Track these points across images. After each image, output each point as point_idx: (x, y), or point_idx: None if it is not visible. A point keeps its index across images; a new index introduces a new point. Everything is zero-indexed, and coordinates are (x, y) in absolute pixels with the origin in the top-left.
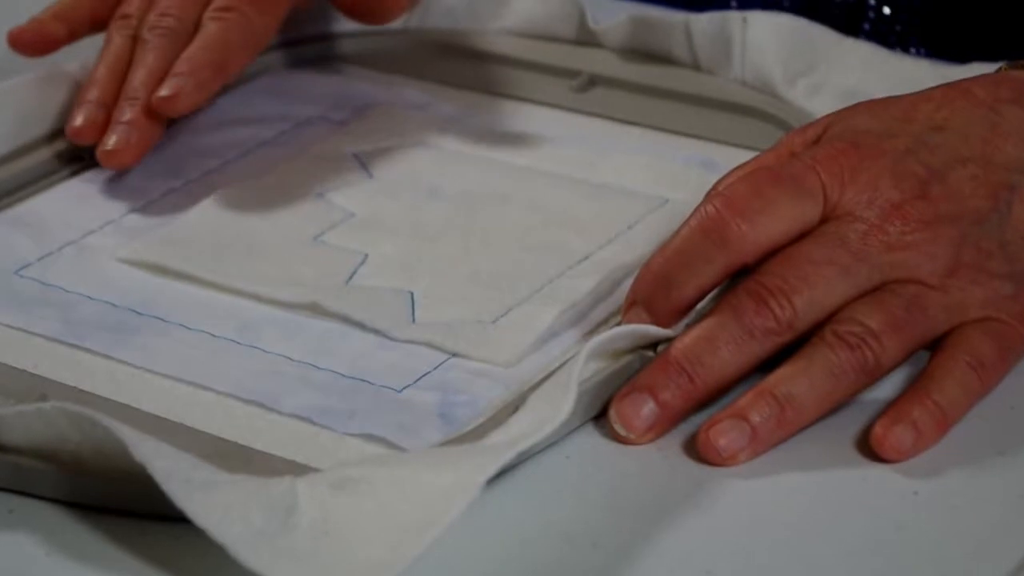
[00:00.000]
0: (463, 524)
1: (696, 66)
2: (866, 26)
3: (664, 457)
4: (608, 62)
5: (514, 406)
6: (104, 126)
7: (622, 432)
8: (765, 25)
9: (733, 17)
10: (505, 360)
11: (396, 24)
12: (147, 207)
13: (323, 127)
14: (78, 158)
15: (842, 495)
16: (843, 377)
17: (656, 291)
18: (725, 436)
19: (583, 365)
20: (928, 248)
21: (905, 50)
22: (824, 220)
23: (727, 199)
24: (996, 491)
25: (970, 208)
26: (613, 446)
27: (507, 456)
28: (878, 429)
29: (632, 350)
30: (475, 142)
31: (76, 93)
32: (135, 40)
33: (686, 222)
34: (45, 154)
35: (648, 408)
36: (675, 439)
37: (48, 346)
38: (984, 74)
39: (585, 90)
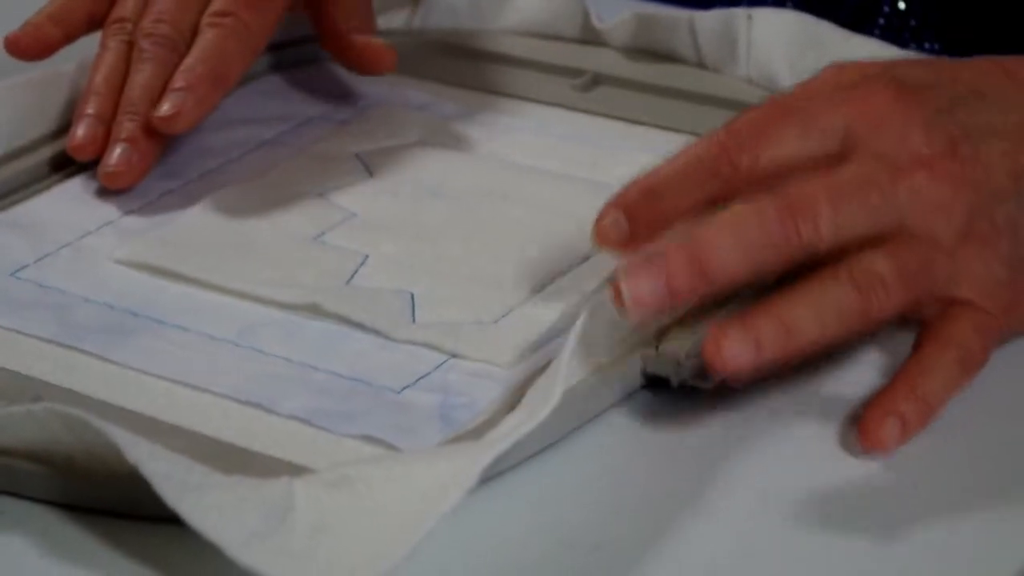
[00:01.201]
0: (463, 525)
1: (701, 64)
2: (881, 20)
3: (666, 458)
4: (612, 60)
5: (512, 406)
6: (104, 140)
7: (628, 301)
8: (771, 22)
9: (738, 14)
10: (506, 361)
11: (399, 24)
12: (145, 208)
13: (324, 127)
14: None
15: (845, 496)
16: (847, 319)
17: (641, 200)
18: (734, 349)
19: (570, 355)
20: (948, 206)
21: (920, 46)
22: (849, 158)
23: (730, 130)
24: (1002, 491)
25: (994, 181)
26: (615, 447)
27: (500, 448)
28: (866, 423)
29: (628, 349)
30: (477, 141)
31: (75, 100)
32: (130, 45)
33: (686, 148)
34: (42, 155)
35: (657, 289)
36: (677, 440)
37: (44, 348)
38: (1017, 55)
39: (589, 89)
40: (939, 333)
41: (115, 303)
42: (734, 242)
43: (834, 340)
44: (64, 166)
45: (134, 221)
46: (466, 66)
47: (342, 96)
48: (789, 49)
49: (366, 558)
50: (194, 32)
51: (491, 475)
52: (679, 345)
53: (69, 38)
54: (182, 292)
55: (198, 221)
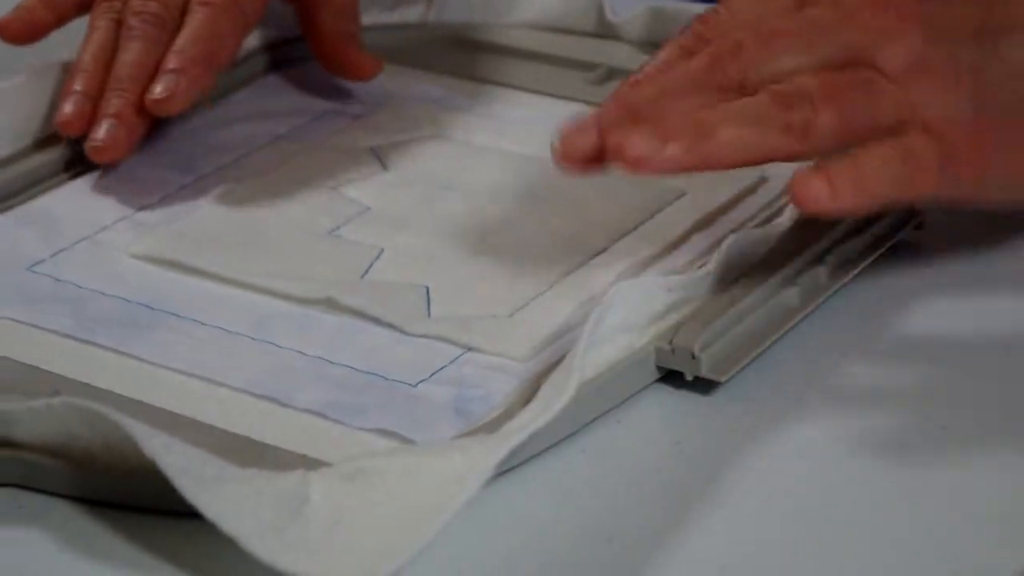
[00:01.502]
0: (477, 518)
1: None
2: None
3: (680, 451)
4: (626, 54)
5: (527, 399)
6: (92, 117)
7: (555, 144)
8: None
9: None
10: (521, 354)
11: (413, 18)
12: (160, 203)
13: (338, 121)
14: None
15: (856, 490)
16: (767, 128)
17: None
18: (637, 143)
19: (585, 346)
20: (894, 37)
21: None
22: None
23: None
24: (1011, 486)
25: (953, 21)
26: (629, 441)
27: (516, 440)
28: (795, 180)
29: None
30: (491, 135)
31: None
32: (119, 24)
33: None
34: (59, 151)
35: (590, 138)
36: (691, 434)
37: (61, 342)
38: None
39: (603, 83)
40: (887, 138)
41: (130, 297)
42: (659, 90)
43: (761, 157)
44: (80, 162)
45: (149, 216)
46: (480, 60)
47: (356, 90)
48: None
49: (382, 551)
50: (183, 11)
51: (505, 468)
52: (693, 339)
53: (61, 20)
54: (197, 286)
55: (213, 215)
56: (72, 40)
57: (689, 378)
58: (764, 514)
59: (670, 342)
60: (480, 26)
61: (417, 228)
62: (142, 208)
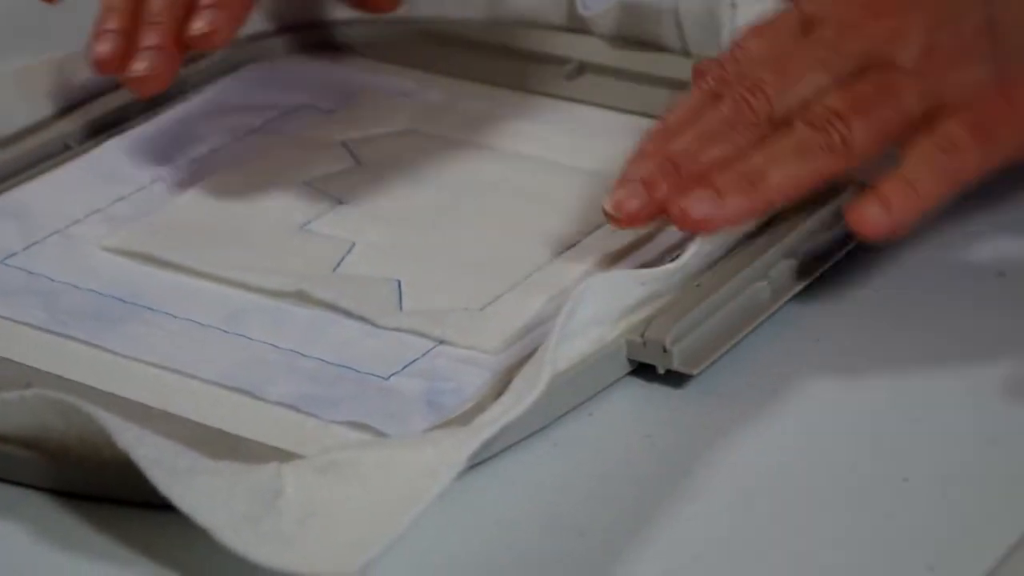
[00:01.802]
0: (450, 511)
1: (686, 52)
2: None
3: (651, 444)
4: (598, 49)
5: (499, 392)
6: (128, 57)
7: (612, 213)
8: (755, 10)
9: (722, 2)
10: (492, 347)
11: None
12: (133, 195)
13: (311, 115)
14: (65, 147)
15: (830, 483)
16: (809, 155)
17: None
18: (698, 203)
19: (558, 339)
20: (900, 35)
21: None
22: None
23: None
24: (986, 479)
25: (952, 2)
26: (600, 434)
27: (488, 433)
28: (851, 212)
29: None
30: (465, 129)
31: (66, 88)
32: None
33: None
34: (31, 143)
35: (643, 200)
36: (662, 428)
37: (34, 335)
38: None
39: (575, 77)
40: (922, 133)
41: (103, 290)
42: (696, 137)
43: (811, 183)
44: (53, 155)
45: (122, 208)
46: (453, 54)
47: (329, 84)
48: None
49: (355, 543)
50: None
51: (477, 461)
52: (664, 332)
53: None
54: (170, 279)
55: (185, 209)
56: (64, 35)
57: (661, 371)
58: (735, 507)
59: (642, 335)
60: (452, 21)
61: (389, 222)
62: (115, 201)
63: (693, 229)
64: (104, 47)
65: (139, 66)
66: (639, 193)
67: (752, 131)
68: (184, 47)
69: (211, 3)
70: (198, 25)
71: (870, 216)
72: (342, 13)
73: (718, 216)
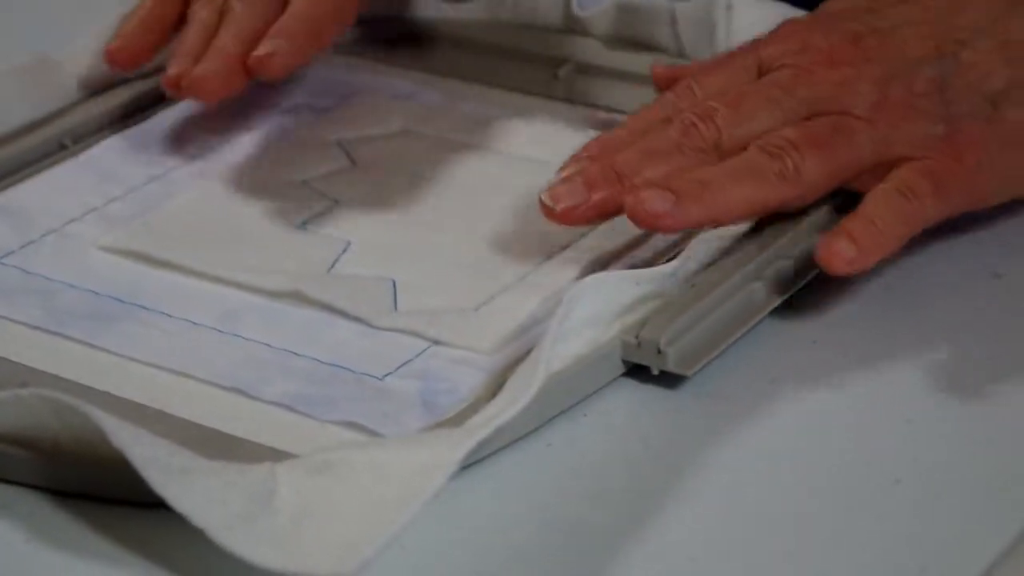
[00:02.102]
0: (444, 511)
1: (681, 53)
2: None
3: (646, 445)
4: (593, 50)
5: (494, 393)
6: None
7: (548, 203)
8: (750, 11)
9: (717, 3)
10: (487, 347)
11: (380, 11)
12: (129, 195)
13: (307, 115)
14: (61, 146)
15: (823, 485)
16: (762, 178)
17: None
18: (652, 200)
19: (552, 340)
20: (853, 84)
21: None
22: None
23: (675, 89)
24: (978, 482)
25: (906, 54)
26: (595, 435)
27: (482, 433)
28: (819, 248)
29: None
30: (459, 130)
31: (65, 86)
32: (220, 15)
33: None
34: (28, 142)
35: (581, 197)
36: (657, 429)
37: (29, 334)
38: None
39: (570, 78)
40: (879, 177)
41: (99, 289)
42: (640, 151)
43: (762, 207)
44: (50, 154)
45: (118, 208)
46: (449, 54)
47: (325, 84)
48: None
49: (349, 543)
50: (284, 2)
51: (471, 461)
52: (659, 333)
53: (163, 39)
54: (166, 279)
55: (181, 208)
56: (62, 36)
57: (655, 372)
58: (729, 508)
59: (636, 336)
60: (449, 20)
61: (384, 222)
62: (111, 200)
63: (644, 224)
64: (173, 68)
65: (199, 68)
66: (579, 191)
67: (697, 156)
68: (248, 72)
69: (276, 32)
70: (260, 50)
71: (838, 249)
72: None
73: (671, 215)
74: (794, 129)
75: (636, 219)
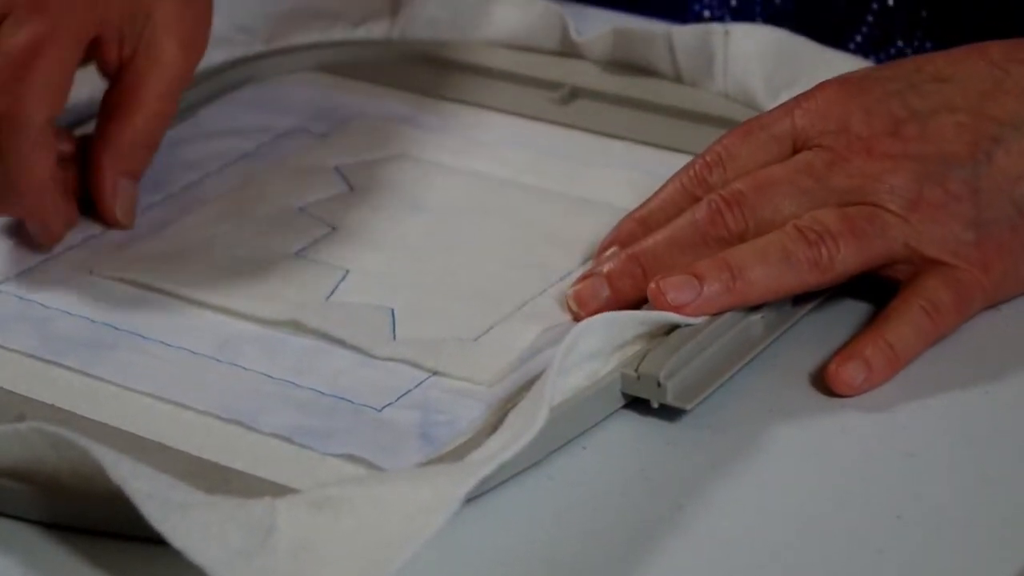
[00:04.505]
0: (444, 545)
1: (679, 78)
2: (869, 18)
3: (645, 478)
4: (591, 74)
5: (493, 426)
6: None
7: (574, 308)
8: (747, 38)
9: (715, 30)
10: (487, 379)
11: (378, 34)
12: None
13: (304, 139)
14: None
15: (824, 519)
16: (796, 266)
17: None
18: (676, 289)
19: (556, 375)
20: (888, 179)
21: (908, 42)
22: (797, 152)
23: (704, 158)
24: (979, 518)
25: (944, 151)
26: (594, 468)
27: (484, 471)
28: (832, 366)
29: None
30: (457, 154)
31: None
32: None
33: (665, 189)
34: None
35: (605, 293)
36: (656, 461)
37: (26, 362)
38: (1008, 39)
39: (568, 102)
40: (907, 286)
41: (96, 317)
42: (666, 241)
43: (789, 292)
44: None
45: (115, 235)
46: (446, 78)
47: (322, 108)
48: (765, 64)
49: None
50: None
51: (472, 495)
52: (658, 367)
53: None
54: (163, 306)
55: (179, 235)
56: None
57: (655, 406)
58: (728, 541)
59: (636, 369)
60: (445, 43)
61: (382, 249)
62: (109, 227)
63: (667, 311)
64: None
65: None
66: (601, 289)
67: (722, 246)
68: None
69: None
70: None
71: (849, 377)
72: (332, 34)
73: (694, 303)
74: (833, 215)
75: (659, 308)
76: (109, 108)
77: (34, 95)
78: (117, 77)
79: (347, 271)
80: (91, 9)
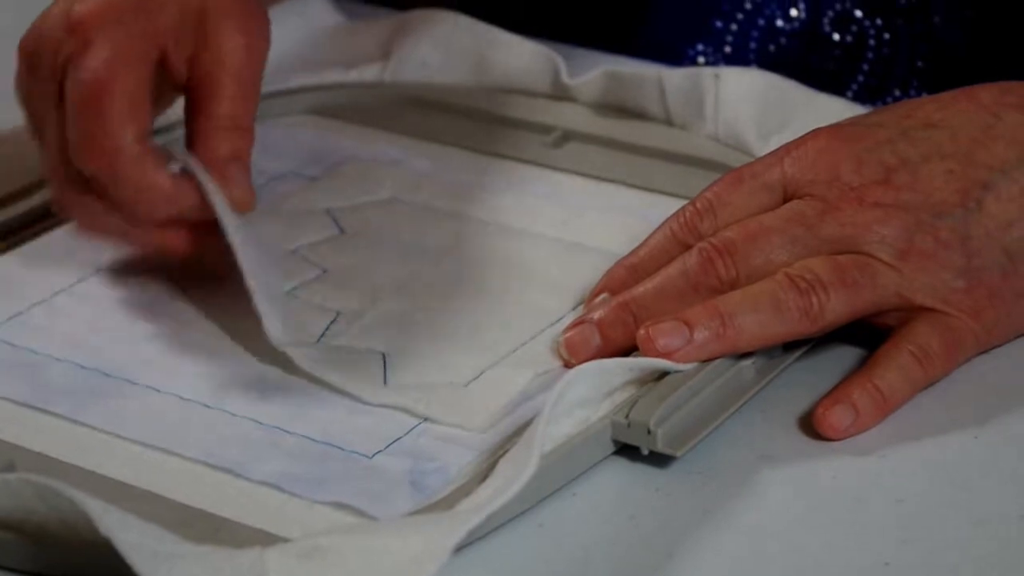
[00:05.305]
0: None
1: (669, 121)
2: (865, 66)
3: (635, 525)
4: (582, 117)
5: (484, 473)
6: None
7: (565, 357)
8: (738, 81)
9: (705, 73)
10: (478, 425)
11: (370, 76)
12: (118, 265)
13: (295, 182)
14: (48, 215)
15: (813, 566)
16: (787, 315)
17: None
18: (665, 335)
19: (546, 424)
20: (879, 229)
21: (905, 91)
22: (787, 200)
23: (693, 206)
24: (966, 565)
25: (934, 199)
26: (585, 515)
27: (474, 521)
28: (819, 408)
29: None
30: (449, 198)
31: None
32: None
33: (655, 237)
34: (15, 211)
35: (595, 341)
36: (646, 508)
37: (16, 410)
38: (997, 83)
39: (559, 145)
40: (898, 331)
41: (86, 363)
42: (656, 289)
43: (779, 340)
44: (37, 221)
45: (107, 278)
46: (437, 120)
47: (314, 151)
48: (755, 108)
49: None
50: None
51: (462, 544)
52: (649, 414)
53: None
54: (153, 351)
55: (169, 277)
56: None
57: (645, 452)
58: None
59: (626, 416)
60: (437, 86)
61: (373, 292)
62: (100, 270)
63: (657, 357)
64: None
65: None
66: (592, 337)
67: (713, 294)
68: None
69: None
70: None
71: (837, 421)
72: (323, 77)
73: (684, 350)
74: (823, 264)
75: (648, 355)
76: (193, 112)
77: (115, 114)
78: (189, 82)
79: (338, 313)
80: (148, 21)
